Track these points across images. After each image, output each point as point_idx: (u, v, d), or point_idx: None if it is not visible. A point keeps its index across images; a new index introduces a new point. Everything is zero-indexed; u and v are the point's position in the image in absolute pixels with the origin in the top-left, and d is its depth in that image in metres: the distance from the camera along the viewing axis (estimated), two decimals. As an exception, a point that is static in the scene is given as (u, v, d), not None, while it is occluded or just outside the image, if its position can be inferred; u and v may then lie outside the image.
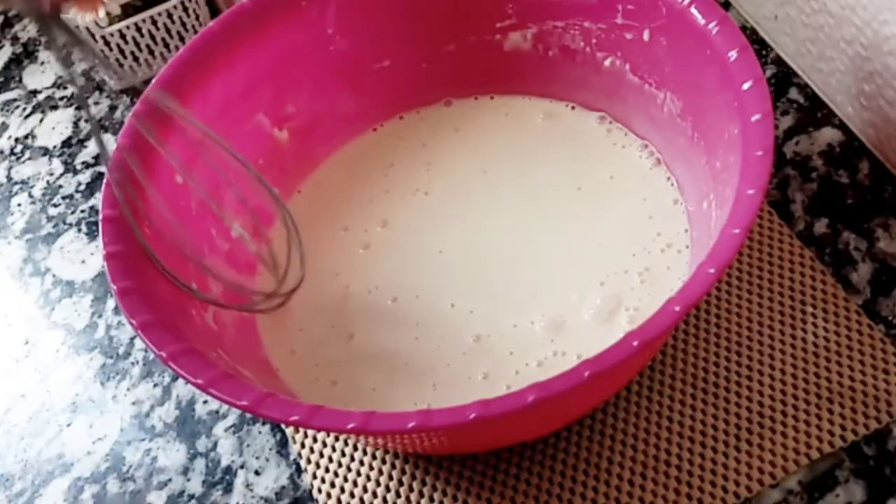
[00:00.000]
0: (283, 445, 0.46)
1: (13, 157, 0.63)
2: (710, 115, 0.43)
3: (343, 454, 0.45)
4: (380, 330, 0.47)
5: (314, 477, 0.45)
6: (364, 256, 0.50)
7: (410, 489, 0.43)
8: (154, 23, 0.61)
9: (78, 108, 0.65)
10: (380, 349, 0.46)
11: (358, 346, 0.46)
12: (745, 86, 0.39)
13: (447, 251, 0.49)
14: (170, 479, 0.47)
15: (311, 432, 0.46)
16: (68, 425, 0.50)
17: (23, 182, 0.62)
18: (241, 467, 0.46)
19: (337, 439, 0.46)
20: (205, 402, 0.49)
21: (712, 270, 0.34)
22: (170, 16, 0.62)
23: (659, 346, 0.43)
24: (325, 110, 0.52)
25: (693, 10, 0.43)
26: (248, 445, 0.47)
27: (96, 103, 0.65)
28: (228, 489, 0.46)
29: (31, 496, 0.47)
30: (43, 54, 0.69)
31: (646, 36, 0.46)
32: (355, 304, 0.48)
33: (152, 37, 0.62)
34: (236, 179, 0.47)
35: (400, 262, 0.49)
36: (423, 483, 0.43)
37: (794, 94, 0.53)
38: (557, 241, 0.48)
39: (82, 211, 0.59)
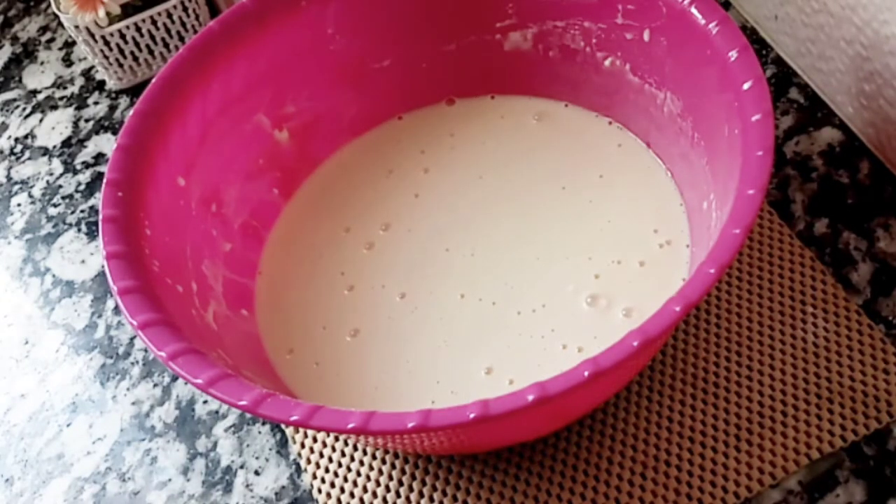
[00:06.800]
0: (283, 445, 0.46)
1: (13, 157, 0.63)
2: (711, 115, 0.43)
3: (343, 454, 0.45)
4: (385, 327, 0.47)
5: (314, 477, 0.45)
6: (368, 256, 0.50)
7: (410, 489, 0.43)
8: (154, 23, 0.61)
9: (78, 108, 0.65)
10: (383, 347, 0.46)
11: (360, 345, 0.46)
12: (746, 86, 0.39)
13: (453, 250, 0.49)
14: (170, 479, 0.47)
15: (311, 432, 0.46)
16: (68, 425, 0.50)
17: (22, 182, 0.62)
18: (241, 467, 0.46)
19: (337, 439, 0.46)
20: (205, 402, 0.49)
21: (712, 270, 0.34)
22: (170, 16, 0.62)
23: (659, 346, 0.43)
24: (325, 110, 0.52)
25: (693, 10, 0.43)
26: (247, 445, 0.47)
27: (96, 103, 0.65)
28: (228, 489, 0.46)
29: (31, 496, 0.47)
30: (43, 54, 0.69)
31: (646, 36, 0.46)
32: (361, 303, 0.48)
33: (152, 37, 0.62)
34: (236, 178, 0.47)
35: (407, 260, 0.49)
36: (423, 483, 0.43)
37: (794, 94, 0.53)
38: (555, 238, 0.48)
39: (82, 211, 0.59)
